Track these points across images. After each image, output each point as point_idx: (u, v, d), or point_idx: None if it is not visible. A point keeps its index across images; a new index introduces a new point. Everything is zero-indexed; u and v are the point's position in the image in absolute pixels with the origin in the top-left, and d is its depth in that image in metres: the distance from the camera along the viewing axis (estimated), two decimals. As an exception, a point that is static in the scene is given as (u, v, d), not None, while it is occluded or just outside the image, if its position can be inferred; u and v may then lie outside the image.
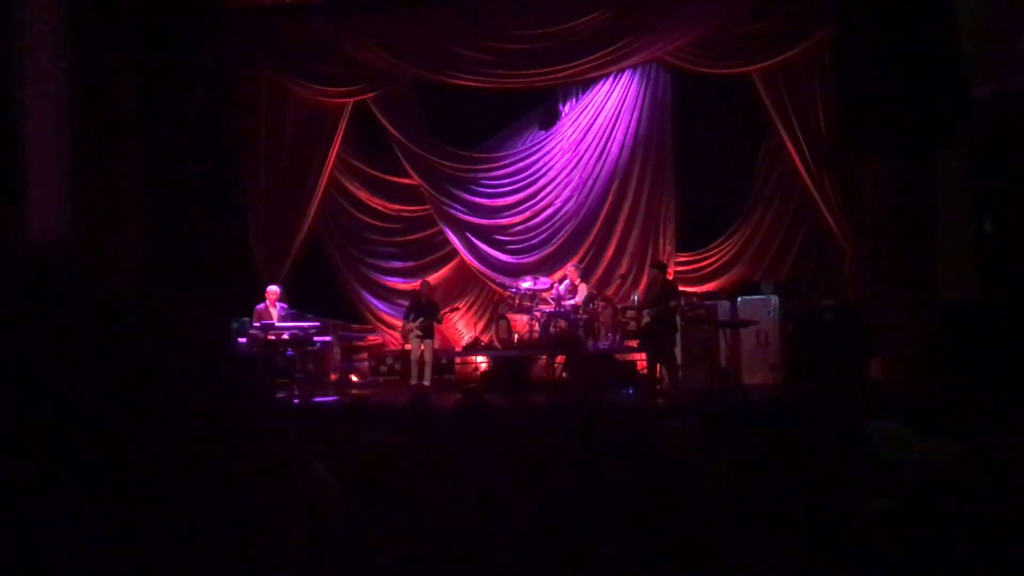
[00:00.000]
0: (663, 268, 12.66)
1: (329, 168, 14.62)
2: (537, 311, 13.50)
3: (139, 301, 0.54)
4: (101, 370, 0.49)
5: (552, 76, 14.18)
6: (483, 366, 14.02)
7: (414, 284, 14.20)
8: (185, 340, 0.54)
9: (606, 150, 14.54)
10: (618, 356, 13.26)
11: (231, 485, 0.51)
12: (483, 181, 14.94)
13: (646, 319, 11.87)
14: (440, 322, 13.45)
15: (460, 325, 14.95)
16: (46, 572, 0.45)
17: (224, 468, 0.51)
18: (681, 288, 12.52)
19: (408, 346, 13.22)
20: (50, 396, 0.47)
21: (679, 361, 11.89)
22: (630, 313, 13.17)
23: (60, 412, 0.47)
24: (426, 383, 12.76)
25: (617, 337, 13.32)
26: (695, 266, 14.35)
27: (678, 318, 11.89)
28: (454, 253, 14.98)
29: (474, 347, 14.37)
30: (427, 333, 13.04)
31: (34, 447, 0.46)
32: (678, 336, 11.95)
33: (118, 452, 0.47)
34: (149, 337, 0.52)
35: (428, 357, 13.02)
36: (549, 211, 14.78)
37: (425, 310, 13.10)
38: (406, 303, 13.83)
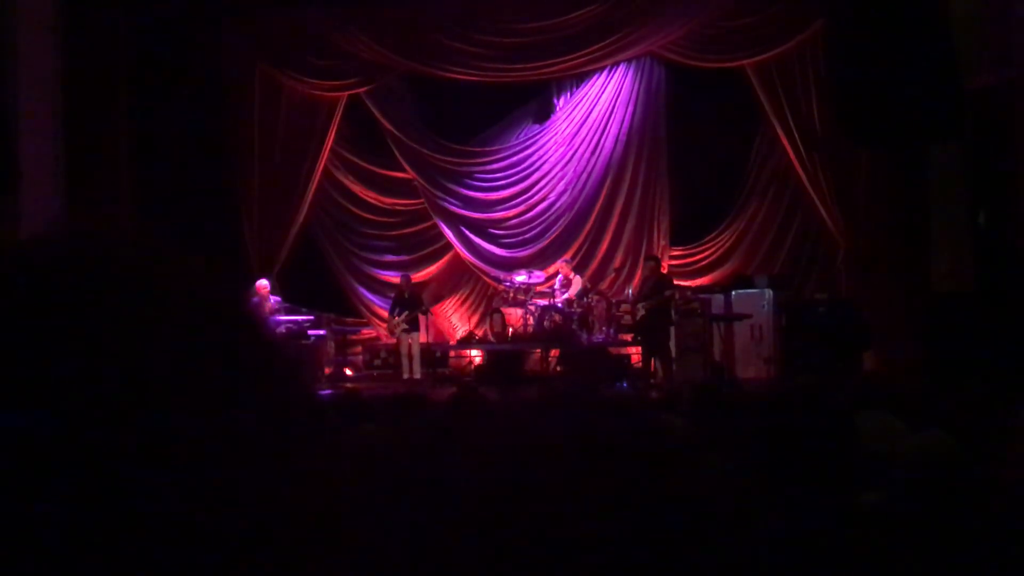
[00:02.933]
0: (658, 262, 12.67)
1: (323, 162, 14.58)
2: (531, 305, 13.50)
3: (158, 274, 0.53)
4: (129, 339, 0.48)
5: (546, 70, 14.16)
6: (477, 360, 14.02)
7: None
8: (212, 309, 0.54)
9: (600, 144, 14.53)
10: (612, 350, 13.27)
11: (259, 460, 0.51)
12: (477, 175, 14.92)
13: (641, 312, 11.88)
14: (426, 313, 13.39)
15: (454, 319, 14.94)
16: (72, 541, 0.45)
17: (249, 442, 0.51)
18: (675, 282, 12.52)
19: (395, 340, 13.22)
20: (71, 379, 0.47)
21: (673, 355, 11.90)
22: (624, 307, 13.18)
23: (82, 393, 0.46)
24: (416, 376, 12.77)
25: (611, 331, 13.32)
26: (689, 260, 14.36)
27: (673, 312, 11.90)
28: (448, 247, 14.96)
29: (468, 341, 14.36)
30: (413, 326, 13.04)
31: (58, 429, 0.46)
32: (672, 330, 11.96)
33: (141, 428, 0.47)
34: (180, 312, 0.52)
35: (415, 350, 13.02)
36: (543, 205, 14.77)
37: (408, 303, 13.10)
38: (399, 298, 13.81)
